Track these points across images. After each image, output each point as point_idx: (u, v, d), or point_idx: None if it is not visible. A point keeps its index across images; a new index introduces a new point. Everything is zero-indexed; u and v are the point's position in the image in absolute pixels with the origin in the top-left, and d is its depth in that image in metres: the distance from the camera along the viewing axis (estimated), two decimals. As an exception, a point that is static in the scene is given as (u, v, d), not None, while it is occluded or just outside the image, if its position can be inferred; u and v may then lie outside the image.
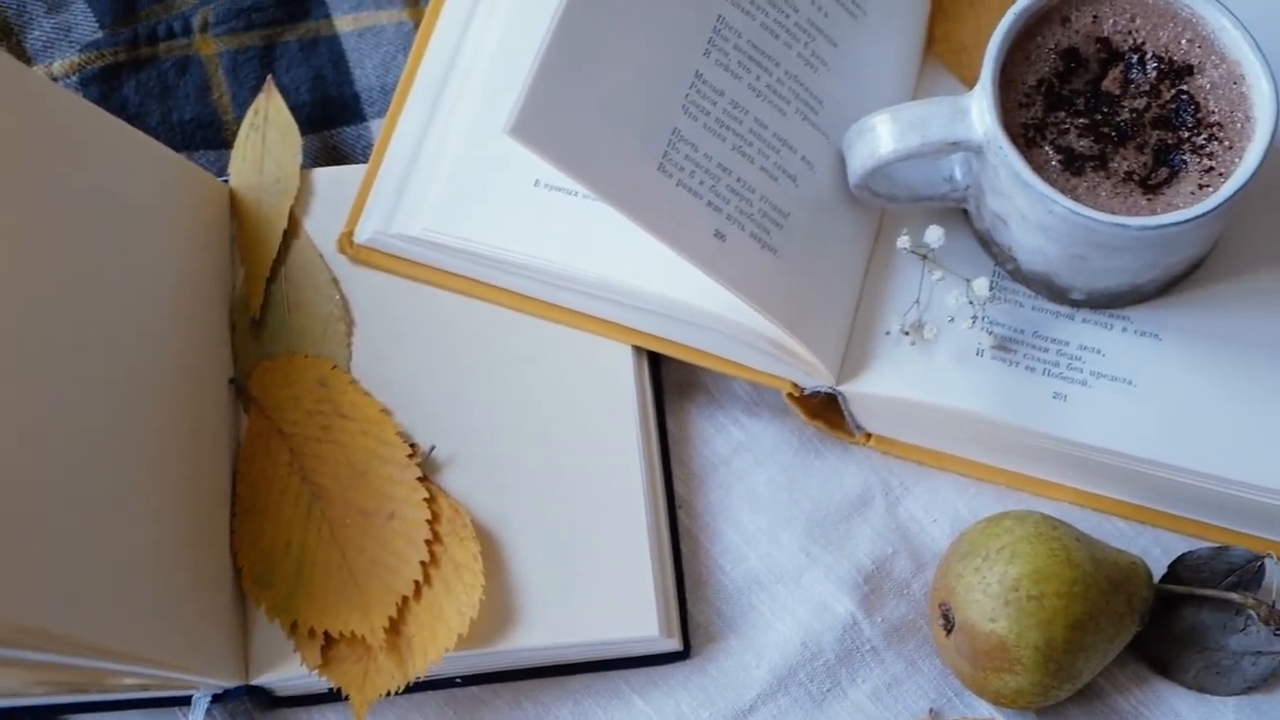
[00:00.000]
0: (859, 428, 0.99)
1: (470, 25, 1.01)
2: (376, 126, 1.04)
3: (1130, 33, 0.95)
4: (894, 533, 0.98)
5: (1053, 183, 0.92)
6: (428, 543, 0.93)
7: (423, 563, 0.92)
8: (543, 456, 0.95)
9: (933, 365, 0.96)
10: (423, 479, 0.94)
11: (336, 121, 1.04)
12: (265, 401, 0.96)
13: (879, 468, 0.99)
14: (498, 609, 0.93)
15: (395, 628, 0.92)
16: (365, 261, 0.99)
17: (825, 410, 0.99)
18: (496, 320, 0.98)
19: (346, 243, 0.99)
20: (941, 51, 1.03)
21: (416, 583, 0.92)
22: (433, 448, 0.95)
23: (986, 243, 0.98)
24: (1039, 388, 0.96)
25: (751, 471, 0.99)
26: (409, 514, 0.93)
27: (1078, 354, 0.97)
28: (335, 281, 0.98)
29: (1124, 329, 0.97)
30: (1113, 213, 0.92)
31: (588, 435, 0.96)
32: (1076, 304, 0.98)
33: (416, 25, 1.04)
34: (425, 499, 0.93)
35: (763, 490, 0.99)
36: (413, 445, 0.95)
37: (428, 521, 0.93)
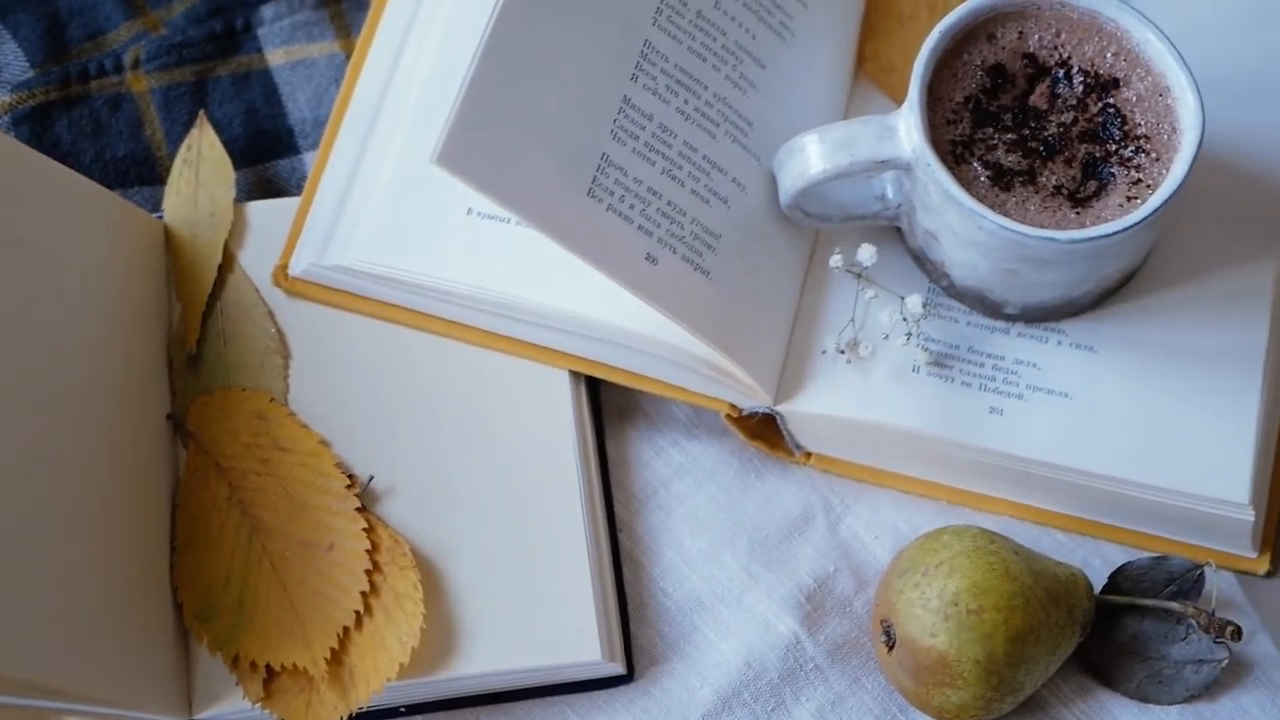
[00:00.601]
0: (798, 447, 1.00)
1: (401, 55, 1.01)
2: (310, 159, 1.04)
3: (1056, 48, 0.95)
4: (835, 551, 0.98)
5: (982, 198, 0.92)
6: (368, 573, 0.93)
7: (363, 593, 0.92)
8: (482, 484, 0.96)
9: (869, 383, 0.97)
10: (362, 509, 0.94)
11: (270, 155, 1.04)
12: (203, 436, 0.96)
13: (819, 486, 1.00)
14: (439, 637, 0.93)
15: (337, 658, 0.92)
16: (300, 294, 0.99)
17: (764, 430, 0.99)
18: (433, 349, 0.98)
19: (281, 275, 0.99)
20: (872, 71, 1.03)
21: (357, 613, 0.92)
22: (371, 478, 0.96)
23: (920, 260, 0.99)
24: (975, 402, 0.96)
25: (692, 493, 0.99)
26: (348, 545, 0.93)
27: (1013, 368, 0.97)
28: (271, 314, 0.99)
29: (1059, 342, 0.98)
30: (1042, 227, 0.92)
31: (526, 461, 0.96)
32: (1011, 319, 0.98)
33: (349, 57, 1.05)
34: (364, 529, 0.93)
35: (703, 512, 0.99)
36: (351, 476, 0.95)
37: (367, 551, 0.93)
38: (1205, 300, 0.98)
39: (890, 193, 0.97)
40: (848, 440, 0.98)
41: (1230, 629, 0.94)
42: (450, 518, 0.95)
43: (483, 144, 0.87)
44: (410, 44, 1.01)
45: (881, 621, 0.93)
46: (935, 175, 0.92)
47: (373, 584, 0.93)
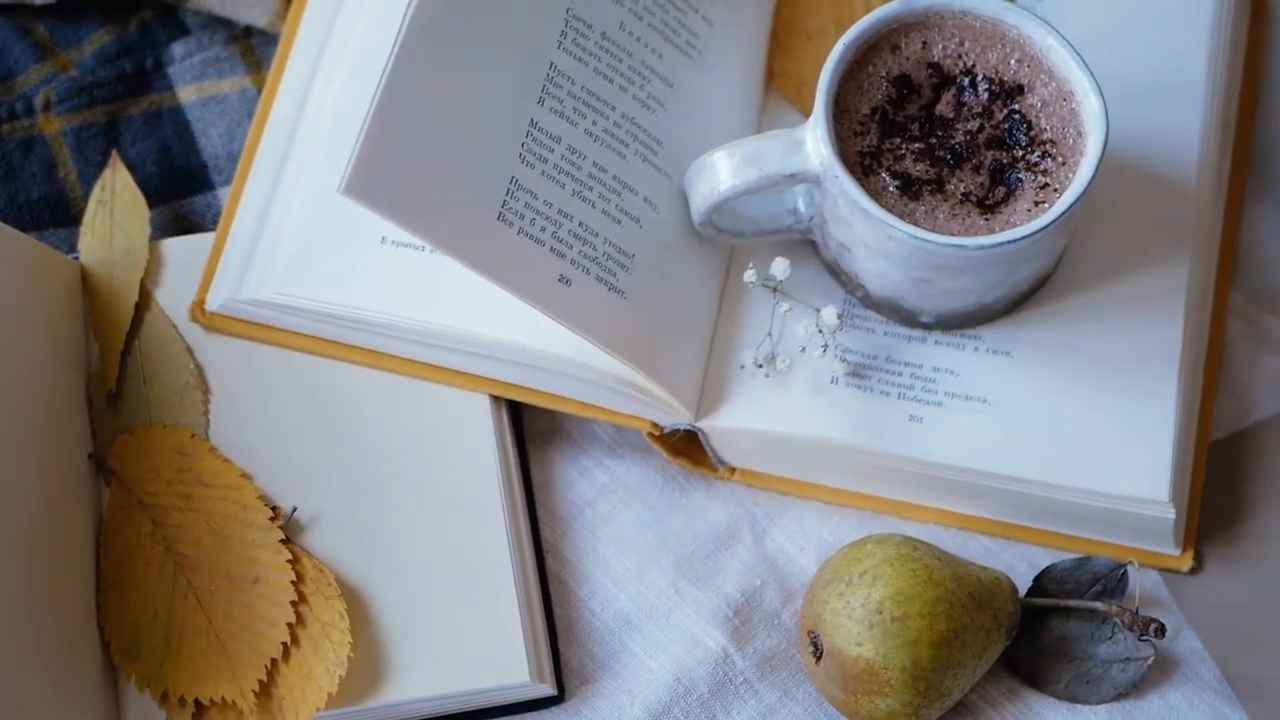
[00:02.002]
0: (722, 462, 1.00)
1: (312, 88, 1.01)
2: (225, 194, 1.04)
3: (960, 56, 0.96)
4: (762, 564, 0.99)
5: (891, 208, 0.93)
6: (293, 604, 0.93)
7: (289, 624, 0.93)
8: (406, 511, 0.96)
9: (788, 396, 0.97)
10: (286, 541, 0.94)
11: (185, 191, 1.04)
12: (125, 474, 0.96)
13: (744, 501, 1.00)
14: (368, 665, 0.93)
15: (265, 690, 0.92)
16: (218, 328, 0.99)
17: (688, 447, 1.00)
18: (353, 378, 0.98)
19: (198, 311, 1.00)
20: (782, 86, 1.04)
21: (284, 644, 0.92)
22: (294, 509, 0.96)
23: (835, 272, 0.99)
24: (894, 411, 0.97)
25: (617, 513, 1.00)
26: (273, 577, 0.93)
27: (931, 376, 0.98)
28: (189, 350, 0.99)
29: (976, 348, 0.99)
30: (951, 234, 0.93)
31: (449, 487, 0.96)
32: (927, 327, 0.99)
33: (260, 92, 1.05)
34: (289, 561, 0.94)
35: (629, 531, 0.99)
36: (274, 508, 0.95)
37: (292, 583, 0.93)
38: (1120, 301, 0.99)
39: (802, 206, 0.98)
40: (770, 453, 0.99)
41: (1154, 626, 0.95)
42: (375, 546, 0.95)
43: (389, 172, 0.88)
44: (320, 76, 1.01)
45: (809, 633, 0.94)
46: (844, 187, 0.92)
47: (299, 615, 0.93)
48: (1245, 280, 1.04)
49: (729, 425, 0.97)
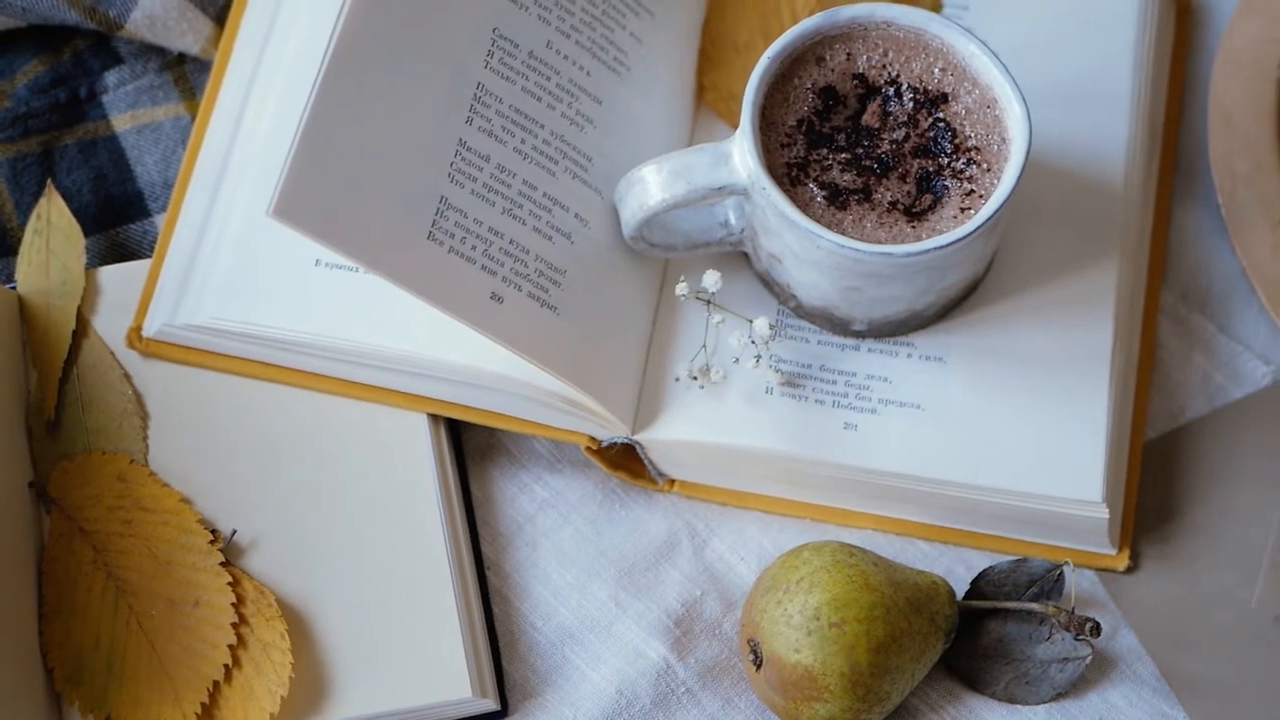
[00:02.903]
0: (661, 475, 1.01)
1: (245, 113, 1.02)
2: (161, 221, 1.05)
3: (884, 67, 0.97)
4: (702, 575, 0.99)
5: (818, 218, 0.94)
6: (234, 626, 0.94)
7: (230, 646, 0.93)
8: (345, 531, 0.97)
9: (723, 407, 0.98)
10: (226, 564, 0.95)
11: (122, 219, 1.05)
12: (65, 502, 0.97)
13: (684, 512, 1.01)
14: (310, 684, 0.94)
15: (208, 712, 0.93)
16: (156, 354, 1.00)
17: (626, 460, 1.00)
18: (291, 400, 0.99)
19: (135, 337, 1.00)
20: (712, 100, 1.05)
21: (226, 666, 0.93)
22: (234, 532, 0.96)
23: (767, 283, 1.00)
24: (829, 419, 0.98)
25: (557, 527, 1.00)
26: (214, 600, 0.94)
27: (865, 383, 0.99)
28: (127, 377, 0.99)
29: (909, 355, 0.99)
30: (879, 243, 0.94)
31: (389, 506, 0.97)
32: (860, 335, 1.00)
33: (194, 119, 1.05)
34: (229, 583, 0.94)
35: (569, 545, 1.00)
36: (214, 531, 0.96)
37: (233, 605, 0.94)
38: (1050, 305, 1.00)
39: (733, 219, 0.99)
40: (708, 465, 1.00)
41: (1090, 625, 0.95)
42: (315, 566, 0.96)
43: (318, 195, 0.88)
44: (253, 101, 1.02)
45: (748, 641, 0.95)
46: (771, 198, 0.93)
47: (240, 637, 0.94)
48: (1176, 280, 1.05)
49: (666, 437, 0.98)
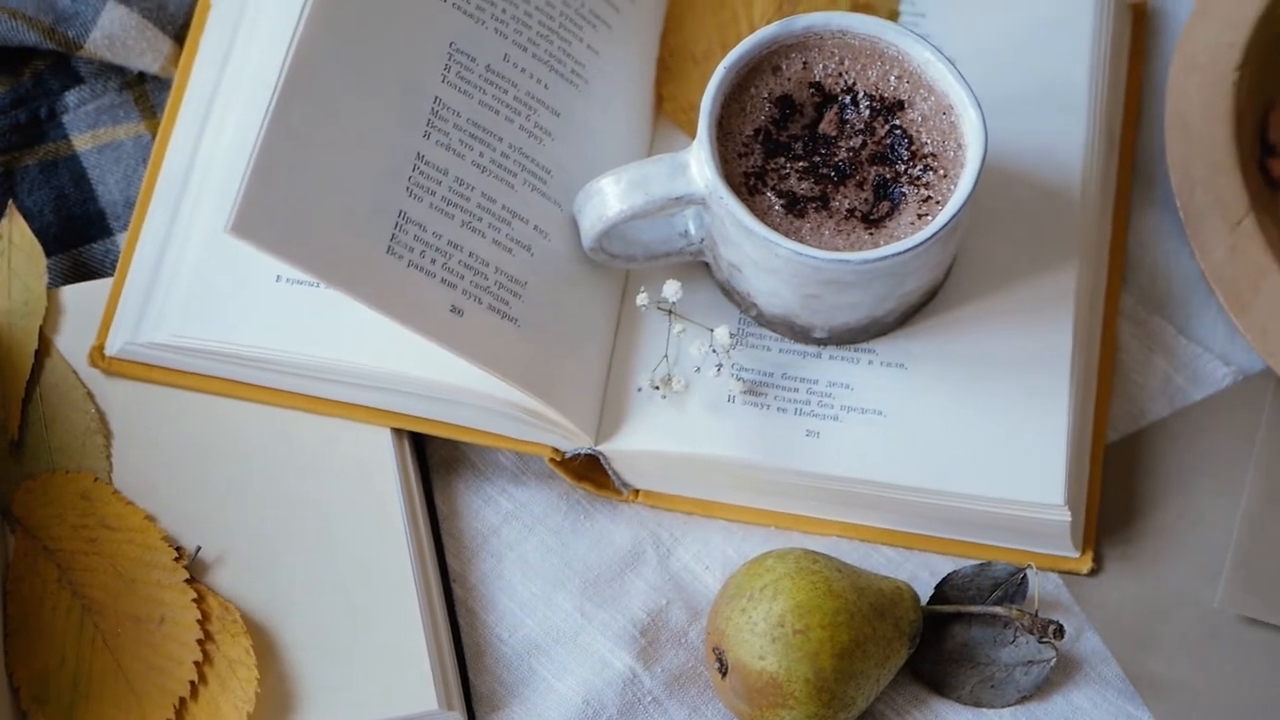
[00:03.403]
0: (625, 485, 1.01)
1: (205, 130, 1.02)
2: (123, 240, 1.05)
3: (841, 75, 0.98)
4: (667, 584, 1.00)
5: (776, 227, 0.94)
6: (200, 642, 0.94)
7: (196, 663, 0.93)
8: (310, 546, 0.97)
9: (686, 416, 0.98)
10: (191, 580, 0.95)
11: (84, 239, 1.05)
12: (29, 521, 0.97)
13: (648, 522, 1.01)
14: (276, 700, 0.94)
15: (175, 729, 0.93)
16: (118, 372, 1.00)
17: (590, 471, 1.01)
18: (254, 416, 0.99)
19: (98, 356, 1.00)
20: (671, 111, 1.05)
21: (192, 683, 0.93)
22: (198, 549, 0.96)
23: (728, 292, 1.01)
24: (792, 427, 0.98)
25: (522, 539, 1.01)
26: (179, 616, 0.94)
27: (827, 391, 0.99)
28: (90, 395, 0.99)
29: (870, 362, 1.00)
30: (837, 250, 0.94)
31: (353, 520, 0.97)
32: (821, 342, 1.00)
33: (155, 137, 1.06)
34: (194, 600, 0.94)
35: (534, 556, 1.00)
36: (179, 548, 0.96)
37: (198, 621, 0.94)
38: (1010, 309, 1.00)
39: (693, 228, 0.99)
40: (672, 474, 1.00)
41: (1053, 628, 0.96)
42: (281, 581, 0.96)
43: (275, 211, 0.89)
44: (213, 119, 1.02)
45: (714, 649, 0.95)
46: (729, 208, 0.94)
47: (206, 653, 0.94)
48: (1136, 283, 1.06)
49: (629, 448, 0.98)
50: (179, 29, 1.07)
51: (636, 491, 1.01)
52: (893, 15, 1.06)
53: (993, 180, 1.01)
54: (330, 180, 0.91)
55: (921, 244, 0.93)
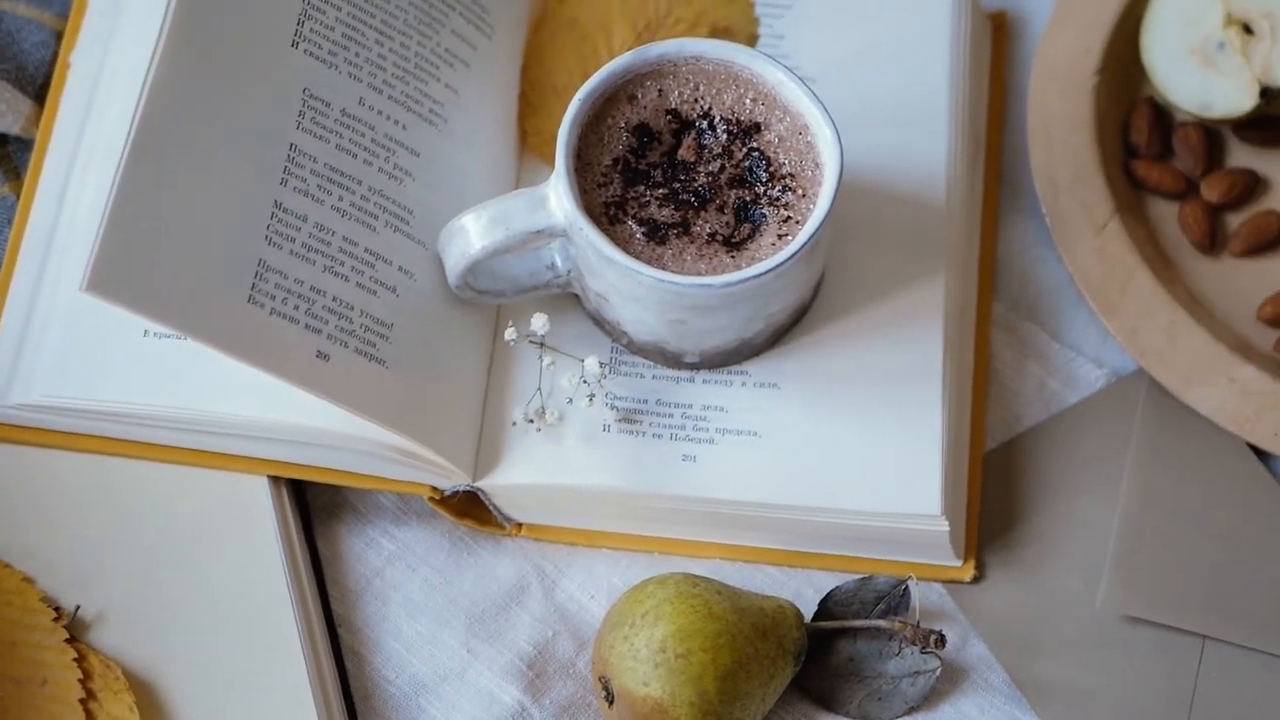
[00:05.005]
0: (507, 519, 1.01)
1: (68, 189, 1.02)
2: (-9, 303, 1.05)
3: (697, 100, 0.98)
4: (553, 615, 1.00)
5: (638, 255, 0.95)
6: (82, 702, 0.93)
7: (80, 722, 0.93)
8: (191, 598, 0.97)
9: (561, 448, 0.99)
10: (71, 640, 0.95)
11: (-48, 303, 1.05)
12: (-94, 589, 0.97)
13: (532, 555, 1.02)
14: (163, 755, 0.94)
15: (60, 791, 0.93)
16: (-9, 436, 1.00)
17: (471, 508, 1.01)
18: (130, 472, 0.99)
19: (-32, 420, 1.00)
20: (535, 145, 1.05)
21: (77, 743, 0.93)
22: (78, 607, 0.96)
23: (599, 321, 1.01)
24: (668, 452, 0.99)
25: (406, 579, 1.01)
26: (60, 677, 0.94)
27: (702, 414, 1.00)
28: (-37, 460, 0.99)
29: (744, 383, 1.00)
30: (699, 274, 0.95)
31: (233, 570, 0.97)
32: (694, 367, 1.00)
33: (19, 198, 1.05)
34: (75, 659, 0.94)
35: (419, 595, 1.00)
36: (58, 608, 0.96)
37: (80, 681, 0.94)
38: (880, 324, 1.01)
39: (559, 261, 0.99)
40: (553, 506, 1.00)
41: (934, 638, 0.96)
42: (163, 636, 0.96)
43: (130, 266, 0.89)
44: (75, 177, 1.02)
45: (600, 678, 0.95)
46: (590, 239, 0.94)
47: (89, 712, 0.93)
48: (1006, 291, 1.07)
49: (507, 482, 0.98)
50: (38, 89, 1.07)
51: (519, 525, 1.02)
52: (752, 39, 1.07)
53: (858, 196, 1.02)
54: (186, 233, 0.91)
55: (782, 264, 0.93)
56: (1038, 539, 1.01)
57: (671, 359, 1.00)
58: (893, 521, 0.98)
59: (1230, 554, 1.00)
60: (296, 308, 0.93)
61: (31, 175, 1.04)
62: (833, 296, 1.02)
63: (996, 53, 1.12)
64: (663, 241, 0.96)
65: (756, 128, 0.98)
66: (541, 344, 0.99)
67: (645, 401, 1.00)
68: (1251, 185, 1.07)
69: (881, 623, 0.97)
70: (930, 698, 0.98)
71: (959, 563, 1.01)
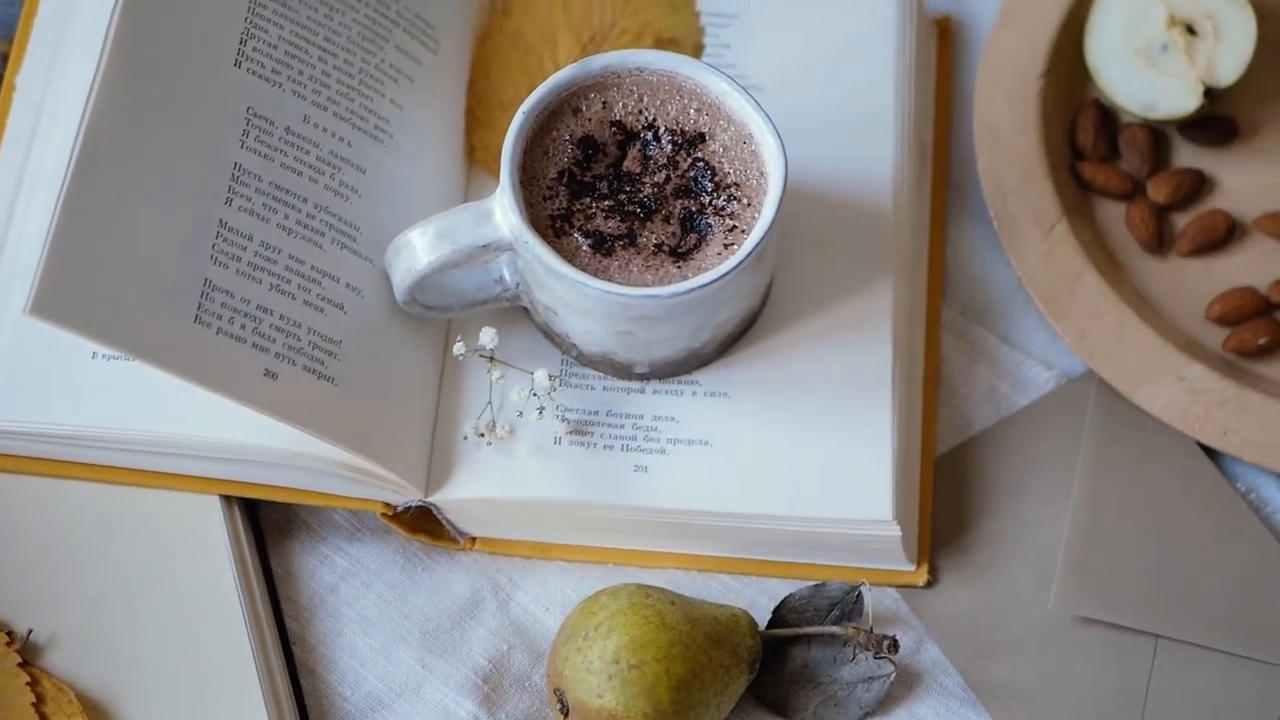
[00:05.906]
0: (461, 534, 1.01)
1: (13, 213, 1.02)
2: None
3: (641, 112, 0.98)
4: (508, 629, 1.00)
5: (584, 267, 0.95)
6: (36, 726, 0.94)
7: (33, 747, 0.93)
8: (144, 619, 0.97)
9: (513, 461, 0.99)
10: (24, 664, 0.95)
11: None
12: None
13: (487, 569, 1.02)
14: (118, 777, 0.94)
15: (14, 817, 0.93)
16: (-61, 462, 1.00)
17: (424, 523, 1.01)
18: (80, 494, 0.99)
19: (-83, 446, 1.00)
20: (482, 159, 1.06)
21: (31, 767, 0.93)
22: (30, 631, 0.96)
23: (548, 334, 1.01)
24: (619, 463, 0.99)
25: (360, 595, 1.01)
26: (13, 701, 0.94)
27: (653, 425, 1.00)
28: (-90, 487, 0.99)
29: (694, 393, 1.01)
30: (646, 285, 0.95)
31: (185, 590, 0.97)
32: (644, 377, 1.01)
33: (-33, 222, 1.05)
34: (28, 683, 0.94)
35: (373, 611, 1.00)
36: (10, 632, 0.96)
37: (33, 705, 0.94)
38: (829, 331, 1.01)
39: (507, 274, 1.00)
40: (506, 519, 1.00)
41: (887, 643, 0.97)
42: (116, 658, 0.96)
43: (74, 289, 0.89)
44: (21, 201, 1.02)
45: (554, 690, 0.95)
46: (535, 252, 0.94)
47: (43, 736, 0.94)
48: (955, 295, 1.07)
49: (459, 496, 0.99)
50: (-15, 114, 1.07)
51: (473, 539, 1.02)
52: (697, 48, 1.07)
53: (805, 204, 1.02)
54: (130, 254, 0.91)
55: (728, 274, 0.94)
56: (990, 542, 1.02)
57: (621, 370, 1.00)
58: (845, 528, 0.98)
59: (1182, 553, 1.01)
60: (244, 327, 0.93)
61: (-23, 200, 1.04)
62: (781, 305, 1.02)
63: (942, 57, 1.12)
64: (609, 253, 0.96)
65: (701, 138, 0.98)
66: (491, 358, 0.99)
67: (596, 413, 1.00)
68: (1198, 185, 1.07)
69: (835, 629, 0.98)
70: (885, 702, 0.98)
71: (912, 567, 1.01)
